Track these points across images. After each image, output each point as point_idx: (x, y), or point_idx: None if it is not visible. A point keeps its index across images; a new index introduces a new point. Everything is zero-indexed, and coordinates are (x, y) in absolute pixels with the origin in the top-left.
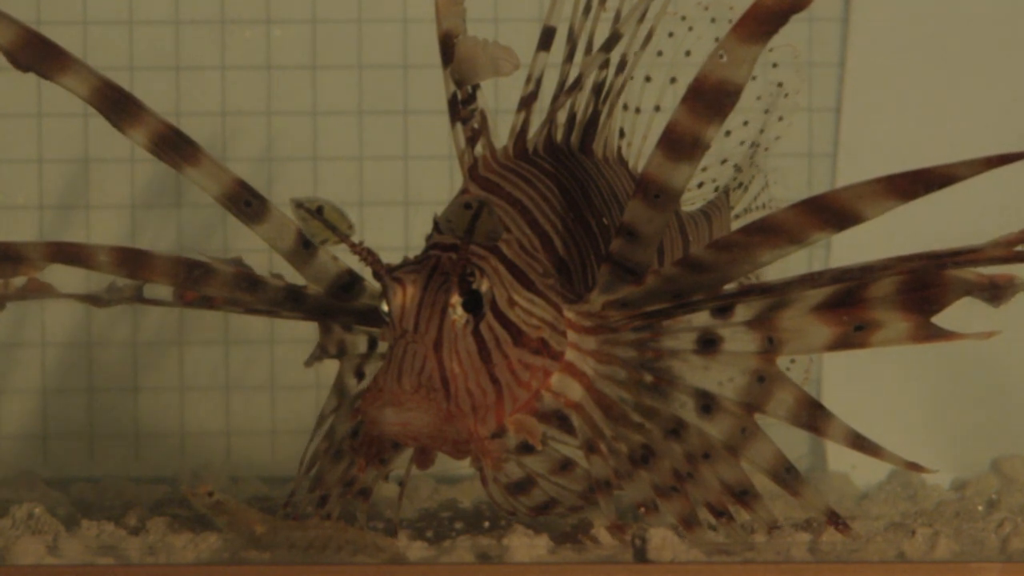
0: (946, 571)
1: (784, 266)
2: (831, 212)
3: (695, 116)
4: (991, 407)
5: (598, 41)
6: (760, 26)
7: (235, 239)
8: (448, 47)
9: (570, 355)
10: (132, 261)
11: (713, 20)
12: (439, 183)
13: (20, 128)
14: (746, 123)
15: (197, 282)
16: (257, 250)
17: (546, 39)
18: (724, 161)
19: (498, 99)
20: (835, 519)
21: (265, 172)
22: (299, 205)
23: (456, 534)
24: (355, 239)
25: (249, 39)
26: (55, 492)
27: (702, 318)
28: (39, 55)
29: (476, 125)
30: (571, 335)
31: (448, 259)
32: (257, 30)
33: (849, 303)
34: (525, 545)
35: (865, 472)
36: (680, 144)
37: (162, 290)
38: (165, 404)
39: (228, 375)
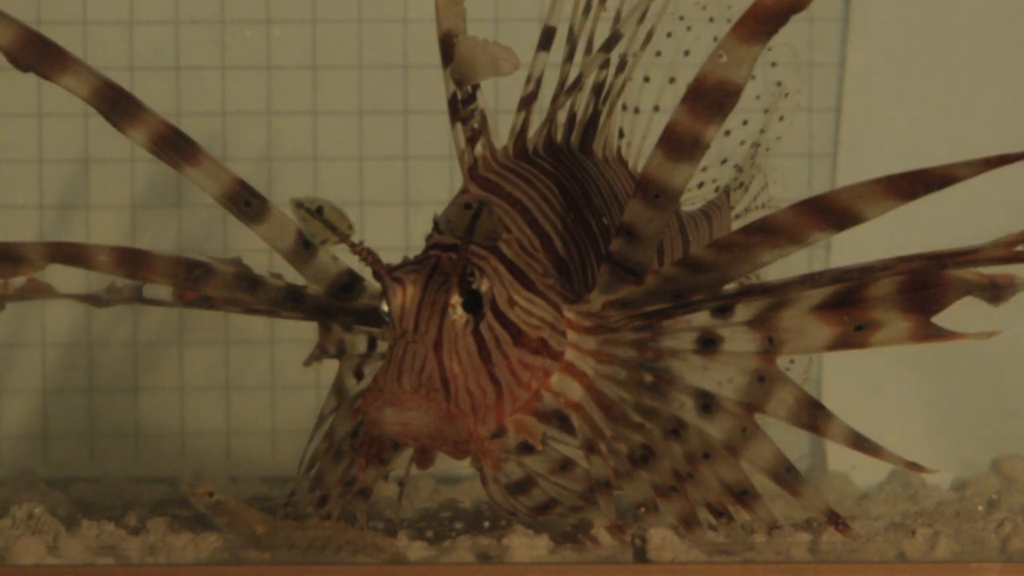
0: (946, 571)
1: (784, 266)
2: (831, 212)
3: (695, 116)
4: (991, 407)
5: (598, 41)
6: (760, 26)
7: (235, 239)
8: (448, 47)
9: (570, 355)
10: (132, 261)
11: (711, 20)
12: (439, 183)
13: (20, 128)
14: (745, 122)
15: (197, 282)
16: (257, 250)
17: (546, 39)
18: (724, 161)
19: (498, 99)
20: (835, 519)
21: (265, 172)
22: (299, 205)
23: (456, 534)
24: (355, 239)
25: (249, 39)
26: (55, 492)
27: (702, 318)
28: (39, 55)
29: (476, 125)
30: (571, 335)
31: (448, 259)
32: (257, 30)
33: (849, 303)
34: (525, 545)
35: (865, 472)
36: (680, 144)
37: (162, 290)
38: (165, 404)
39: (228, 375)
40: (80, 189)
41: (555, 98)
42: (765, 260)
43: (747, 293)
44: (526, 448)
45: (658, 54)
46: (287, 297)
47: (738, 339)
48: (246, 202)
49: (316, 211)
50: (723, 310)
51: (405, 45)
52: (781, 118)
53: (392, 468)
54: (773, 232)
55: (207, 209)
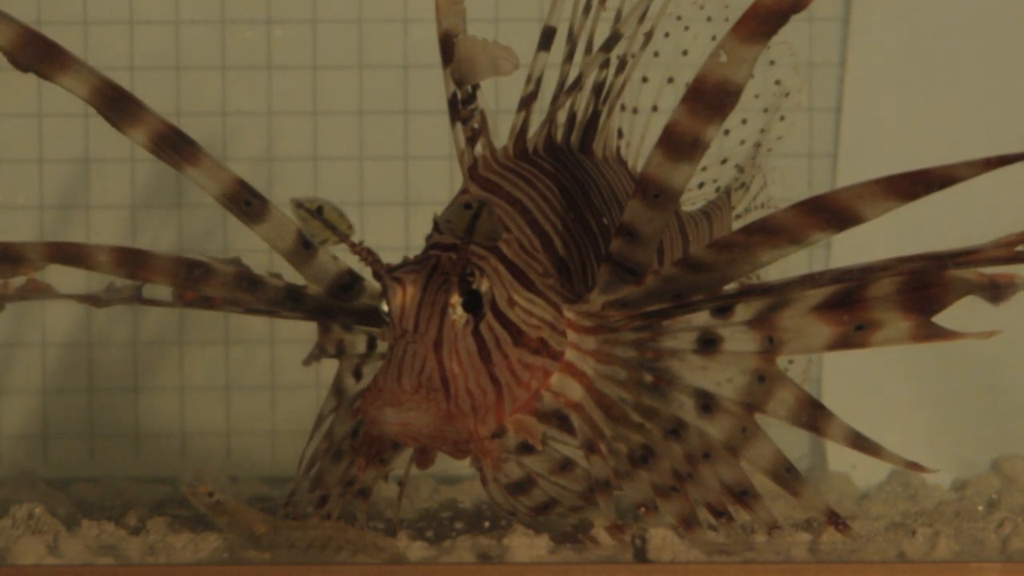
0: (946, 571)
1: (784, 266)
2: (831, 212)
3: (695, 116)
4: (991, 407)
5: (598, 41)
6: (760, 26)
7: (235, 239)
8: (448, 47)
9: (570, 355)
10: (132, 261)
11: (709, 19)
12: (439, 183)
13: (20, 128)
14: (744, 121)
15: (197, 282)
16: (257, 250)
17: (546, 39)
18: (724, 161)
19: (498, 99)
20: (835, 519)
21: (265, 172)
22: (299, 205)
23: (456, 534)
24: (355, 239)
25: (249, 39)
26: (55, 492)
27: (702, 318)
28: (39, 55)
29: (476, 125)
30: (571, 335)
31: (448, 259)
32: (257, 30)
33: (849, 303)
34: (525, 545)
35: (865, 472)
36: (680, 144)
37: (162, 290)
38: (165, 404)
39: (228, 375)
40: (80, 189)
41: (555, 98)
42: (765, 260)
43: (747, 293)
44: (526, 448)
45: (656, 54)
46: (287, 297)
47: (738, 339)
48: (246, 202)
49: (316, 211)
50: (723, 310)
51: (405, 45)
52: (782, 118)
53: (392, 468)
54: (773, 232)
55: (207, 209)
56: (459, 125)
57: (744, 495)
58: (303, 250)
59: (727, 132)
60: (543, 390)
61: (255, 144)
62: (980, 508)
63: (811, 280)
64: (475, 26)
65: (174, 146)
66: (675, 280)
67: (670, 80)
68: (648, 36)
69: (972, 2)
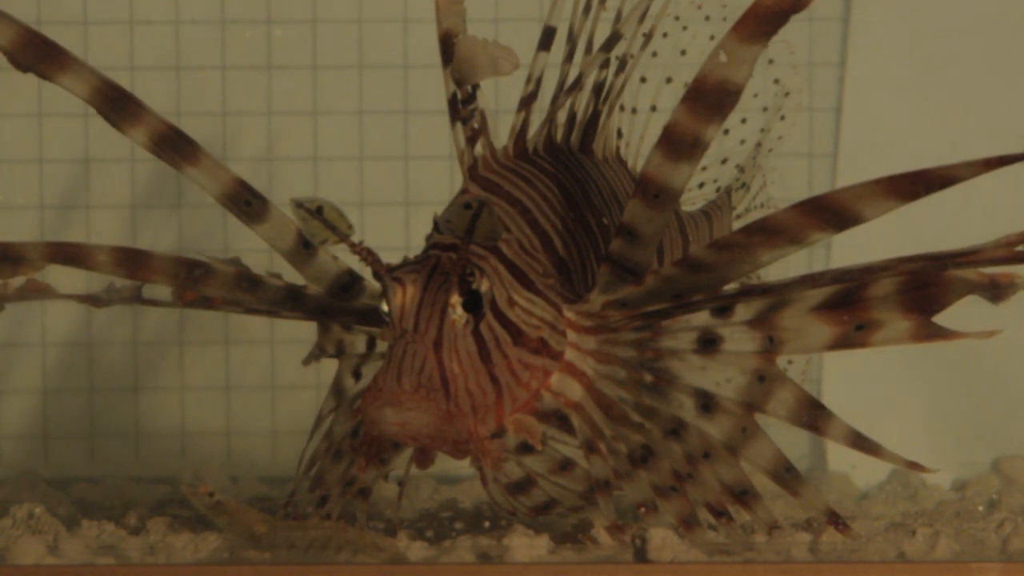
0: (946, 571)
1: (784, 266)
2: (831, 213)
3: (695, 116)
4: (991, 407)
5: (598, 41)
6: (760, 26)
7: (235, 239)
8: (448, 47)
9: (570, 355)
10: (132, 261)
11: (707, 18)
12: (439, 183)
13: (20, 128)
14: (744, 121)
15: (197, 282)
16: (257, 250)
17: (546, 39)
18: (724, 161)
19: (498, 99)
20: (835, 519)
21: (265, 172)
22: (299, 205)
23: (456, 534)
24: (355, 239)
25: (249, 39)
26: (55, 492)
27: (702, 318)
28: (39, 55)
29: (476, 125)
30: (571, 335)
31: (448, 259)
32: (257, 30)
33: (850, 303)
34: (525, 545)
35: (865, 472)
36: (680, 144)
37: (162, 290)
38: (165, 404)
39: (228, 375)
40: (80, 189)
41: (555, 98)
42: (765, 260)
43: (747, 293)
44: (526, 448)
45: (654, 54)
46: (287, 297)
47: (738, 339)
48: (246, 202)
49: (316, 211)
50: (723, 310)
51: (405, 45)
52: (782, 117)
53: (392, 468)
54: (773, 232)
55: (207, 209)
56: (459, 125)
57: (744, 495)
58: (303, 250)
59: (727, 132)
60: (543, 390)
61: (255, 144)
62: (980, 508)
63: (811, 280)
64: (475, 26)
65: (174, 146)
66: (675, 280)
67: (668, 80)
68: (648, 36)
69: (972, 2)
